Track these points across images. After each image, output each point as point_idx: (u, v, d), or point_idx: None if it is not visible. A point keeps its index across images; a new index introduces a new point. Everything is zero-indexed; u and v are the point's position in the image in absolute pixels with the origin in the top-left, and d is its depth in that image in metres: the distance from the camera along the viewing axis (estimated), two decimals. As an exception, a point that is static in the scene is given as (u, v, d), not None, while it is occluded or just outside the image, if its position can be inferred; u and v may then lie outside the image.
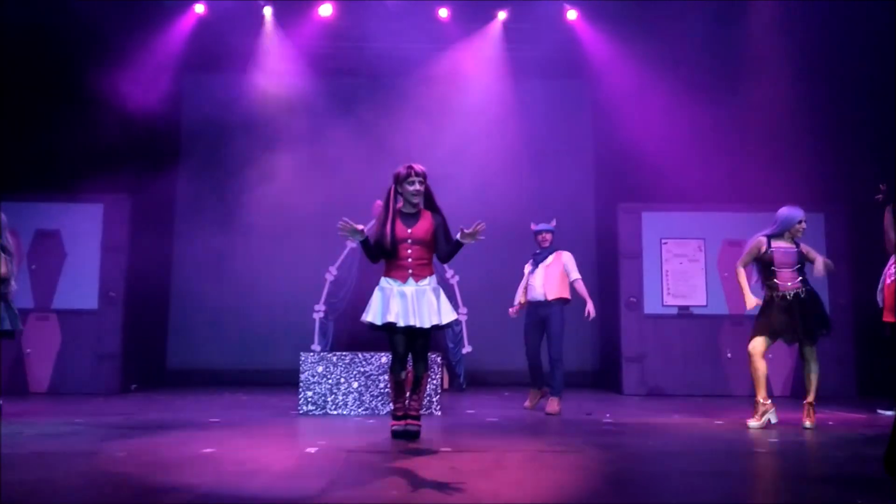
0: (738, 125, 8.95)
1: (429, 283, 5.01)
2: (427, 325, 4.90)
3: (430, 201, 5.16)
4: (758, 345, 5.74)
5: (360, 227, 4.88)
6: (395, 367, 5.02)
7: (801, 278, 5.77)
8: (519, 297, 7.07)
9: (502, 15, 9.85)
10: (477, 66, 9.97)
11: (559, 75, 10.58)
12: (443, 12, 9.67)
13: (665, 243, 9.22)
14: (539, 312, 6.80)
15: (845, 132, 8.78)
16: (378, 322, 4.92)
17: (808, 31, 8.69)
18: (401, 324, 4.86)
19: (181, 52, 9.68)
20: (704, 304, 9.07)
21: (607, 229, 9.82)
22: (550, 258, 6.89)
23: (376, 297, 5.00)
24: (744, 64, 9.03)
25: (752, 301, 5.86)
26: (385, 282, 5.01)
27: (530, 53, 10.14)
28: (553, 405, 6.62)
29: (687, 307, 9.09)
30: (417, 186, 5.04)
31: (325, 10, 9.58)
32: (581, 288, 6.84)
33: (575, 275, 6.86)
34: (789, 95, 8.71)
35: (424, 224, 5.05)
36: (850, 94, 8.72)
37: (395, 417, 5.06)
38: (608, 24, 9.61)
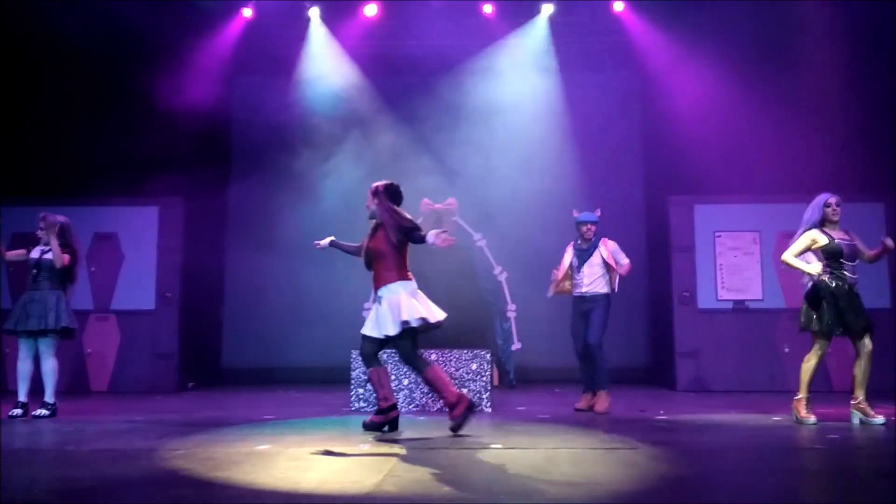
0: (793, 112, 8.67)
1: (384, 291, 5.16)
2: (377, 335, 5.12)
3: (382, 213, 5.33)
4: (823, 346, 5.62)
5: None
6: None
7: (856, 272, 5.62)
8: (555, 280, 6.75)
9: (548, 9, 9.77)
10: (523, 61, 9.91)
11: (607, 68, 10.45)
12: (487, 8, 9.65)
13: (719, 236, 9.03)
14: (583, 306, 6.61)
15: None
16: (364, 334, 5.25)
17: (863, 4, 8.37)
18: (368, 334, 5.20)
19: (231, 56, 9.85)
20: (760, 298, 8.86)
21: (658, 223, 9.67)
22: (595, 254, 6.64)
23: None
24: (797, 47, 8.74)
25: (816, 267, 5.60)
26: None
27: (577, 47, 10.04)
28: (601, 402, 6.38)
29: (742, 301, 8.90)
30: (367, 202, 5.40)
31: (370, 10, 9.65)
32: (626, 270, 6.61)
33: (624, 259, 6.63)
34: (846, 77, 8.42)
35: (378, 234, 5.30)
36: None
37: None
38: (656, 14, 9.45)
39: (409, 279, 5.22)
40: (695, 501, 3.18)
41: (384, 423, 5.18)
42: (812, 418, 5.53)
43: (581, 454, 4.27)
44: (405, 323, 5.02)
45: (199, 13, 9.33)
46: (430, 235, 4.98)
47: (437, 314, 5.18)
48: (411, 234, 5.18)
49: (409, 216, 5.28)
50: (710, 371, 8.78)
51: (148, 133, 8.71)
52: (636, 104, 10.70)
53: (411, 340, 5.16)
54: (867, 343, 5.52)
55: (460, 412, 5.02)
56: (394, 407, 5.23)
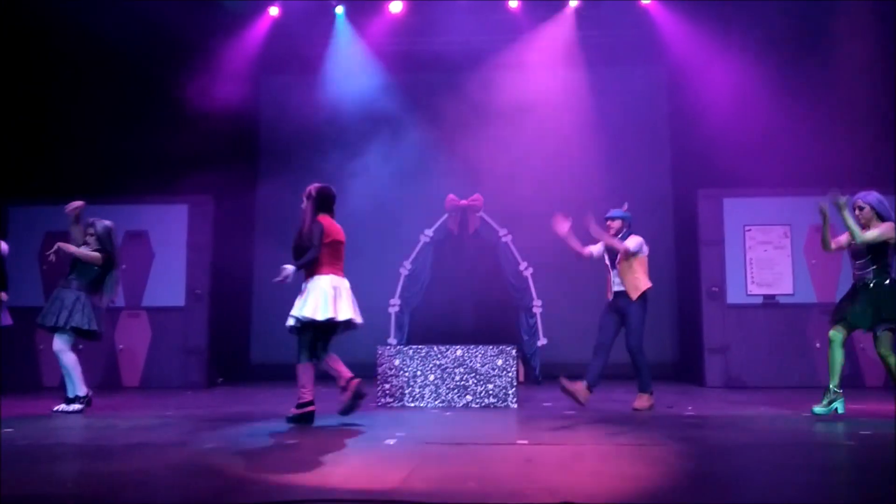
0: (824, 103, 8.53)
1: (304, 286, 5.56)
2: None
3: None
4: (834, 332, 5.64)
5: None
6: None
7: (874, 267, 5.53)
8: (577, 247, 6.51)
9: (574, 2, 9.72)
10: (550, 54, 9.87)
11: (633, 61, 10.38)
12: (512, 3, 9.63)
13: (748, 230, 8.93)
14: (618, 302, 6.45)
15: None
16: None
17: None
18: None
19: (258, 55, 9.93)
20: (791, 292, 8.74)
21: (687, 216, 9.58)
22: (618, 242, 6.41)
23: None
24: (828, 38, 8.60)
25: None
26: None
27: (604, 40, 9.99)
28: (641, 401, 6.30)
29: (772, 296, 8.79)
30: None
31: (395, 7, 9.67)
32: (615, 244, 6.26)
33: (627, 244, 6.27)
34: (877, 68, 8.26)
35: None
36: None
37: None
38: (683, 6, 9.36)
39: (320, 275, 5.49)
40: (723, 498, 3.15)
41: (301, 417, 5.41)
42: (815, 407, 5.61)
43: (608, 450, 4.25)
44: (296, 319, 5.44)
45: (227, 13, 9.42)
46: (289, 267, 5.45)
47: (321, 313, 5.37)
48: (297, 249, 5.57)
49: (316, 232, 5.50)
50: (739, 367, 8.69)
51: (177, 132, 8.82)
52: (664, 97, 10.62)
53: (312, 334, 5.52)
54: (879, 344, 5.51)
55: (347, 398, 5.39)
56: (310, 403, 5.46)
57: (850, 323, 5.60)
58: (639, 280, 6.36)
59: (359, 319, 5.67)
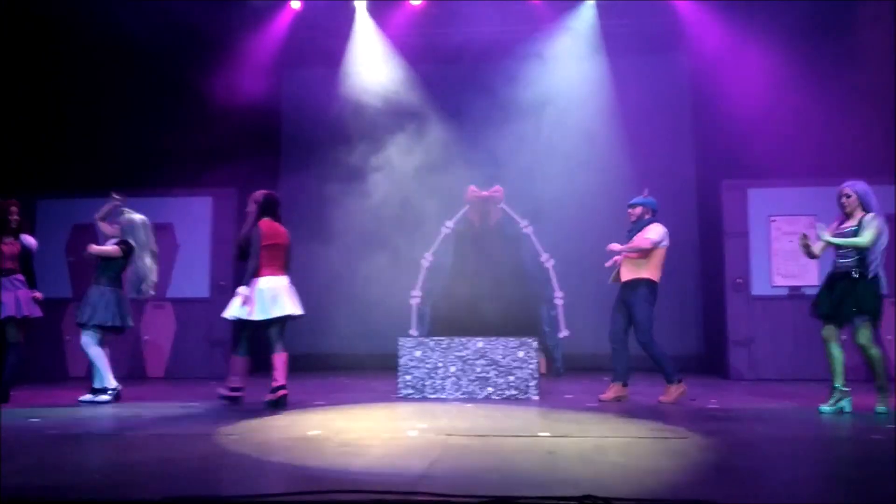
0: (851, 93, 8.38)
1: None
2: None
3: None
4: (825, 330, 5.55)
5: None
6: None
7: (857, 257, 5.41)
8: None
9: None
10: (571, 45, 9.82)
11: (656, 49, 10.28)
12: (534, -7, 9.60)
13: (773, 221, 8.83)
14: (622, 293, 6.41)
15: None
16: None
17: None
18: None
19: (280, 49, 9.97)
20: (817, 284, 8.60)
21: (711, 207, 9.49)
22: (636, 236, 6.40)
23: None
24: (854, 26, 8.45)
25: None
26: None
27: (626, 29, 9.90)
28: (668, 394, 6.22)
29: (798, 288, 8.69)
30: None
31: (416, -1, 9.68)
32: (638, 244, 6.26)
33: (640, 241, 6.28)
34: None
35: None
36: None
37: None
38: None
39: (262, 276, 6.00)
40: (746, 492, 3.13)
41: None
42: (822, 406, 5.48)
43: (630, 443, 4.23)
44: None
45: (249, 7, 9.46)
46: (242, 289, 6.00)
47: (257, 314, 5.95)
48: (238, 250, 6.12)
49: (254, 237, 5.95)
50: (764, 359, 8.61)
51: (201, 126, 8.90)
52: (687, 87, 10.51)
53: (250, 330, 6.10)
54: (858, 335, 5.38)
55: (270, 399, 5.86)
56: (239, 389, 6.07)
57: (834, 317, 5.49)
58: (641, 268, 6.29)
59: (298, 312, 6.16)
